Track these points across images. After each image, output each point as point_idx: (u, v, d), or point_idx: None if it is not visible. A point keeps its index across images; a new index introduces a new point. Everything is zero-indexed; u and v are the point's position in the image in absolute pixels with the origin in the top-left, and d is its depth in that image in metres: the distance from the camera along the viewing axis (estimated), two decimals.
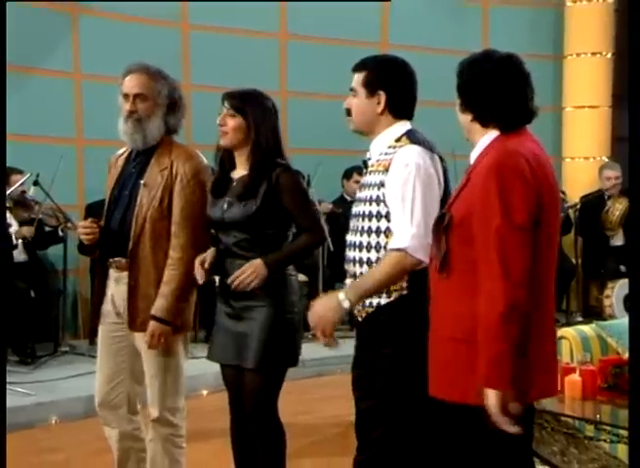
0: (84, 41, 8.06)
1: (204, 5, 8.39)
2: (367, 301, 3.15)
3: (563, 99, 9.84)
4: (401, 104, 3.22)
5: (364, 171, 3.29)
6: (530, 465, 2.89)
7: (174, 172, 3.62)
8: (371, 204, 3.16)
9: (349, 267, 3.26)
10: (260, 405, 3.57)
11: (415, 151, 3.11)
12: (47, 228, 7.12)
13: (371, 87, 3.19)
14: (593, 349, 4.78)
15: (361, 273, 3.18)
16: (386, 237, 3.13)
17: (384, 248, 3.13)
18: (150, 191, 3.63)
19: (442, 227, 2.72)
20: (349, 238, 3.27)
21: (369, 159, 3.26)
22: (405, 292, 3.12)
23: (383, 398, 3.14)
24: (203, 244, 3.65)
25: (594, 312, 8.50)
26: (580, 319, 8.31)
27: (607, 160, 9.50)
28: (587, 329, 5.02)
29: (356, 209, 3.26)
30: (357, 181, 6.41)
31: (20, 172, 6.96)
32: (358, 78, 3.20)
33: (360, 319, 3.20)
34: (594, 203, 8.59)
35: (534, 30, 9.77)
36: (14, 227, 6.97)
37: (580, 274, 8.85)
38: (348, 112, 3.24)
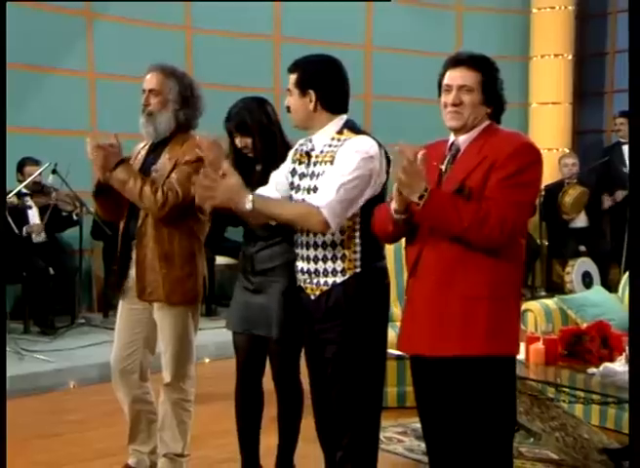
0: (97, 43, 8.02)
1: (206, 11, 8.37)
2: (322, 280, 3.09)
3: (529, 97, 9.82)
4: (333, 100, 3.11)
5: (305, 161, 3.16)
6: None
7: (180, 159, 3.58)
8: (315, 192, 3.05)
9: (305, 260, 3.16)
10: (284, 369, 3.58)
11: (366, 140, 3.04)
12: (63, 213, 7.09)
13: (302, 86, 3.09)
14: (555, 320, 4.82)
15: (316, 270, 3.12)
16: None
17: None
18: (159, 177, 3.60)
19: (464, 199, 2.70)
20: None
21: (312, 150, 3.15)
22: (358, 270, 3.07)
23: (337, 364, 3.12)
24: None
25: (556, 287, 8.53)
26: (543, 293, 8.34)
27: (567, 151, 9.52)
28: (550, 302, 5.06)
29: (297, 196, 3.16)
30: None
31: (36, 162, 6.93)
32: (292, 79, 3.12)
33: (313, 297, 3.13)
34: (555, 190, 8.62)
35: (503, 34, 9.77)
36: (33, 210, 6.97)
37: (545, 253, 8.88)
38: (289, 109, 3.15)
